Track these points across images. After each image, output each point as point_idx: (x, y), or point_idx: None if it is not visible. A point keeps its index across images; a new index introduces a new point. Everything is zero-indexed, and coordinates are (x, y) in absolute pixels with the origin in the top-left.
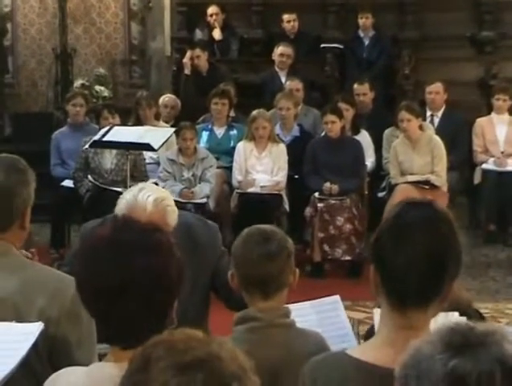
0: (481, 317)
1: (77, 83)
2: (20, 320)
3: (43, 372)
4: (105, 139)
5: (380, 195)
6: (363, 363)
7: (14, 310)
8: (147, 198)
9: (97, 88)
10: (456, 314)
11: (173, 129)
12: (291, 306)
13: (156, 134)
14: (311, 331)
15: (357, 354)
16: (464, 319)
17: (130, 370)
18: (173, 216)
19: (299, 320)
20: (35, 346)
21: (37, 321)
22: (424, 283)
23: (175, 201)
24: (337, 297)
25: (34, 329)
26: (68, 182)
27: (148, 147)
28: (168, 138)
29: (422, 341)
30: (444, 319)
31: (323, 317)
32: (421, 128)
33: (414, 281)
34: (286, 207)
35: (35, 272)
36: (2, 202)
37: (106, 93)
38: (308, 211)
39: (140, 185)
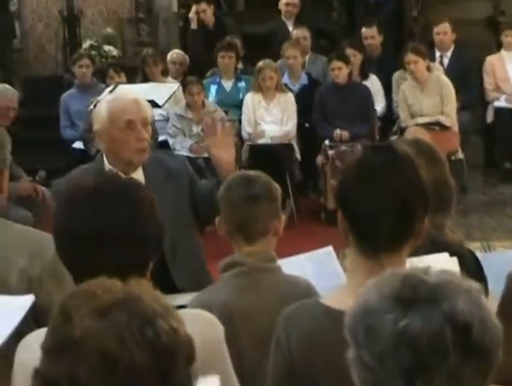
0: (474, 257)
1: (86, 44)
2: (2, 282)
3: (30, 332)
4: None
5: (392, 138)
6: (335, 312)
7: None
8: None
9: (106, 48)
10: (447, 254)
11: (178, 85)
12: (287, 259)
13: (161, 90)
14: (298, 277)
15: (329, 302)
16: (454, 259)
17: (53, 325)
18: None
19: (295, 273)
20: None
21: (19, 281)
22: (394, 225)
23: (187, 157)
24: (330, 248)
25: (25, 302)
26: (78, 144)
27: (153, 104)
28: (173, 94)
29: (370, 288)
30: (418, 262)
31: (318, 268)
32: (429, 69)
33: (383, 224)
34: (298, 156)
35: (14, 232)
36: None
37: (115, 53)
38: (320, 158)
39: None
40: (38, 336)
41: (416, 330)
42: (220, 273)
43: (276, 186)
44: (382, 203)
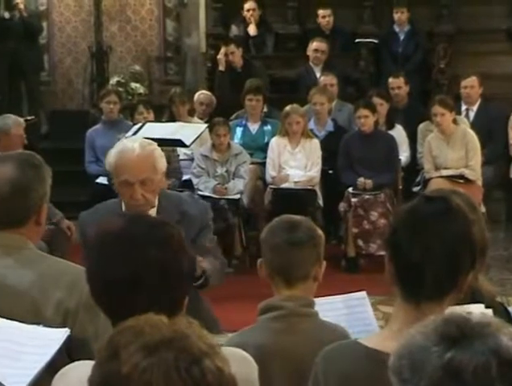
0: (505, 310)
1: (113, 80)
2: (38, 313)
3: (62, 365)
4: (137, 135)
5: (415, 189)
6: (376, 352)
7: (31, 303)
8: (134, 142)
9: (133, 85)
10: (482, 305)
11: (205, 125)
12: (321, 299)
13: (188, 130)
14: (336, 324)
15: (369, 343)
16: (490, 312)
17: (100, 359)
18: (161, 160)
19: (328, 314)
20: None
21: (55, 313)
22: (438, 277)
23: (209, 197)
24: (364, 293)
25: (60, 335)
26: (102, 179)
27: (180, 143)
28: (200, 134)
29: (416, 330)
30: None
31: (351, 312)
32: (455, 122)
33: (428, 274)
34: (321, 202)
35: (52, 265)
36: (18, 197)
37: (142, 90)
38: (342, 206)
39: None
40: (75, 368)
41: (462, 362)
42: (258, 316)
43: (319, 232)
44: (431, 254)
